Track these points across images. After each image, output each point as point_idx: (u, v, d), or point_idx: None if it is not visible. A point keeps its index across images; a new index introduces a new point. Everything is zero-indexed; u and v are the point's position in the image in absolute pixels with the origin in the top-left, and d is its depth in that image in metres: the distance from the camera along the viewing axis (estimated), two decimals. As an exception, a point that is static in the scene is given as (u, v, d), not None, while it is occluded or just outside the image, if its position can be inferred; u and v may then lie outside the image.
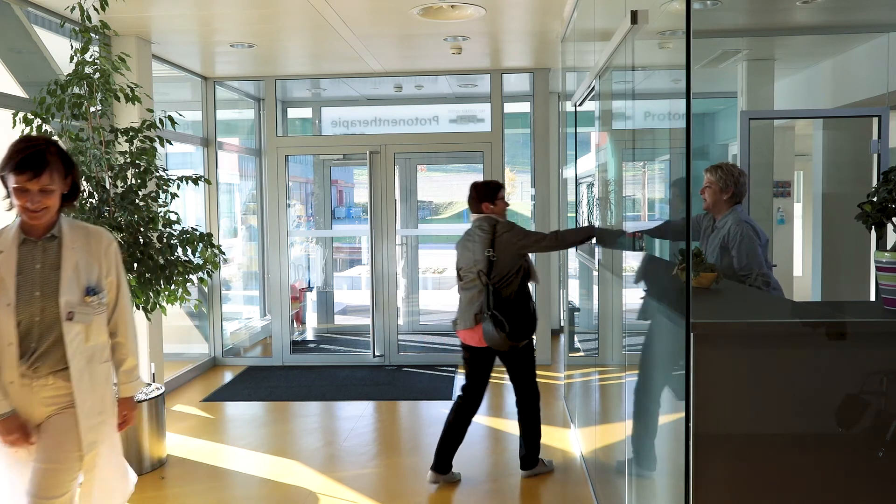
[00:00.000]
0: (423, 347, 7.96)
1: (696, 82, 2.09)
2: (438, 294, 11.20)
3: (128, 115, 5.21)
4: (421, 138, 7.72)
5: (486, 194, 4.21)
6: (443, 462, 4.24)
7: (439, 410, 5.64)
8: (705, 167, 3.51)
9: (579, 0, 4.47)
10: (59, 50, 5.00)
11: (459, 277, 4.28)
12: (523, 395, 4.25)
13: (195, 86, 7.09)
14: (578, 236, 4.24)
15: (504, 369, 4.28)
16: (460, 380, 6.54)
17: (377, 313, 7.18)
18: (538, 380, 4.32)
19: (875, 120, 4.81)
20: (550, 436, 4.67)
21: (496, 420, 5.35)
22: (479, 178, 7.16)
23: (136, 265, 4.21)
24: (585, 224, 5.07)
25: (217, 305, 7.18)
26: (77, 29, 4.29)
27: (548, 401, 5.60)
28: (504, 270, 4.05)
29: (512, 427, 4.99)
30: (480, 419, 5.40)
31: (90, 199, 4.27)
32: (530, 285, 4.22)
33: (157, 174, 4.47)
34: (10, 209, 2.61)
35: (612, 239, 3.63)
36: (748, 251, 3.42)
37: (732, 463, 2.20)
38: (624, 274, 3.35)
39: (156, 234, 4.37)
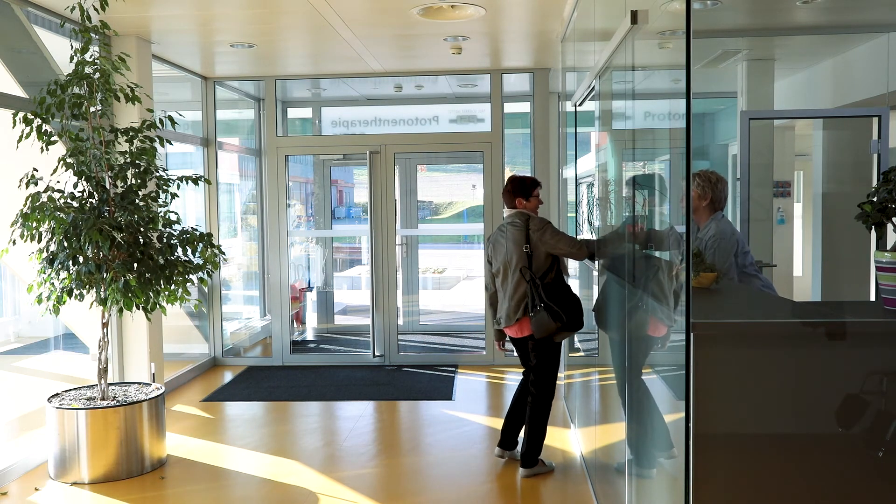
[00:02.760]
0: (423, 347, 7.96)
1: (696, 82, 2.09)
2: (438, 294, 11.21)
3: (128, 115, 5.22)
4: (421, 138, 7.72)
5: (522, 190, 4.26)
6: (508, 439, 4.48)
7: (439, 410, 5.64)
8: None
9: (579, 0, 4.47)
10: (59, 50, 5.00)
11: (495, 275, 4.33)
12: (538, 389, 4.26)
13: (195, 86, 7.10)
14: (591, 252, 4.23)
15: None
16: (460, 380, 6.56)
17: (377, 313, 7.18)
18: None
19: (875, 120, 4.82)
20: (550, 436, 4.67)
21: (496, 420, 5.34)
22: (480, 178, 7.20)
23: (136, 265, 4.21)
24: (585, 225, 5.09)
25: (217, 305, 7.19)
26: (77, 29, 4.29)
27: (548, 401, 5.59)
28: (542, 266, 4.14)
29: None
30: (480, 419, 5.41)
31: (90, 199, 4.27)
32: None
33: (157, 174, 4.47)
34: None
35: (616, 239, 3.63)
36: (721, 252, 3.61)
37: (732, 463, 2.20)
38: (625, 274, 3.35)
39: (156, 234, 4.37)
